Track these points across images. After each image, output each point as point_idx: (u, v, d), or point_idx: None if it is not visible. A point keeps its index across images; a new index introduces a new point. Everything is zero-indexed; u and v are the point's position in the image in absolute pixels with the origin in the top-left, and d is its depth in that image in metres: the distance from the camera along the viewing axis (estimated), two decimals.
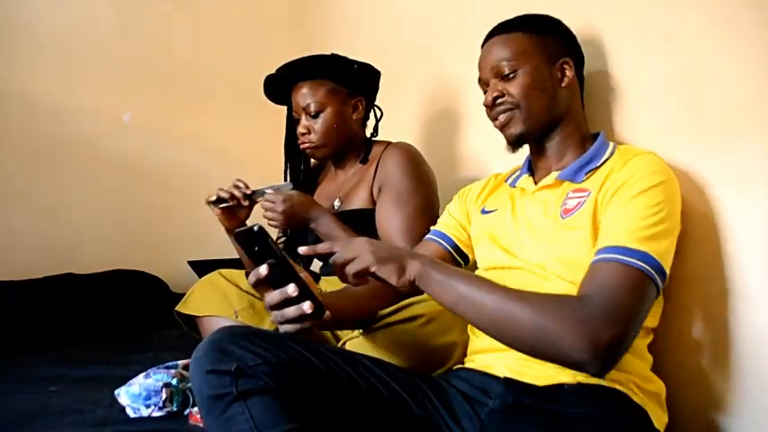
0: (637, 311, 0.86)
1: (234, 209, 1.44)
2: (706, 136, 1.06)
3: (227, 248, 1.69)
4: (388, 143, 1.56)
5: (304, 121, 1.52)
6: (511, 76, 1.11)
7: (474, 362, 1.06)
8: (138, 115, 2.38)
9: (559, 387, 0.92)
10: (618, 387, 0.92)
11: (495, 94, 1.12)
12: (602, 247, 0.91)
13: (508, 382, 0.96)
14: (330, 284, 1.46)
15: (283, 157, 1.68)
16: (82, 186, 2.28)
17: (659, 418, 0.95)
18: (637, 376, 0.95)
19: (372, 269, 0.92)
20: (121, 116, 2.35)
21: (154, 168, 2.41)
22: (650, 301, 0.89)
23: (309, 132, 1.52)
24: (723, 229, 1.03)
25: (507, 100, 1.11)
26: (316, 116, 1.50)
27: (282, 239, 1.65)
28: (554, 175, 1.10)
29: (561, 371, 0.92)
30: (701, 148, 1.07)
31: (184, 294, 1.45)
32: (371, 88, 1.61)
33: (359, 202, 1.51)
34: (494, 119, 1.15)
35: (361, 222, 1.45)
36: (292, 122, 1.60)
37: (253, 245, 0.89)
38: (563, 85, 1.11)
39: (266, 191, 1.44)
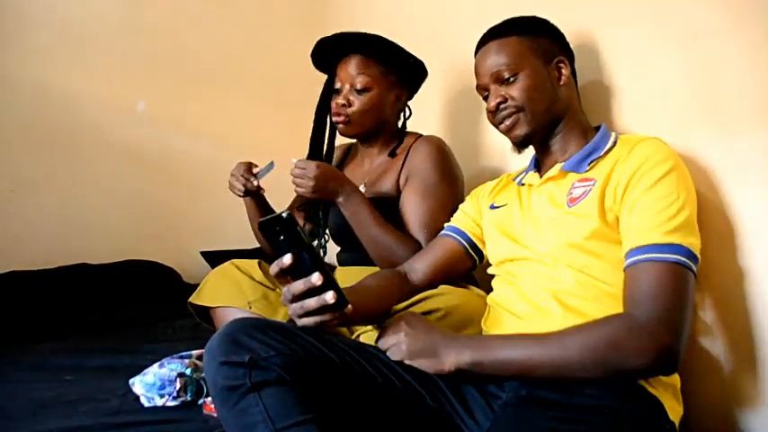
0: (686, 305, 0.89)
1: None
2: (721, 128, 1.05)
3: (239, 239, 1.70)
4: (419, 135, 1.55)
5: (346, 93, 1.49)
6: (511, 80, 1.12)
7: None
8: (151, 106, 2.38)
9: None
10: None
11: (498, 100, 1.13)
12: (633, 247, 0.93)
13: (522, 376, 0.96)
14: (345, 274, 1.45)
15: (309, 139, 1.62)
16: (95, 177, 2.28)
17: (674, 409, 0.94)
18: None
19: (406, 362, 0.94)
20: (134, 106, 2.36)
21: (167, 159, 2.42)
22: (693, 289, 0.91)
23: (348, 105, 1.49)
24: (738, 219, 1.03)
25: (511, 104, 1.13)
26: (360, 92, 1.48)
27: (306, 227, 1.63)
28: (558, 166, 1.12)
29: None
30: (715, 140, 1.06)
31: (197, 285, 1.45)
32: (416, 85, 1.60)
33: (384, 189, 1.50)
34: (498, 123, 1.16)
35: (385, 209, 1.43)
36: (330, 91, 1.55)
37: (279, 233, 0.87)
38: (561, 83, 1.14)
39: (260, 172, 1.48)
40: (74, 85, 2.23)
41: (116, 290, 2.01)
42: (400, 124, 1.61)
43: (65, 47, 2.23)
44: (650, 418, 0.90)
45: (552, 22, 1.19)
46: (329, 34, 1.51)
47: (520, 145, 1.16)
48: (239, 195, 1.53)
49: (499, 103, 1.13)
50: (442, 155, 1.47)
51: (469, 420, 0.94)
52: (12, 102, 2.14)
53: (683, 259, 0.89)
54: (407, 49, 1.52)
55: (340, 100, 1.49)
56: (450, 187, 1.44)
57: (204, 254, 2.17)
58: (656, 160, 0.97)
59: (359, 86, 1.47)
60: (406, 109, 1.60)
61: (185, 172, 2.44)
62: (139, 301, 2.00)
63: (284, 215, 0.86)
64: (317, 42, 1.54)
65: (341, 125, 1.51)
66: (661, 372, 0.89)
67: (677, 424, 0.94)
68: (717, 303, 1.07)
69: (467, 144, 1.77)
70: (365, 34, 1.48)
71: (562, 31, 1.19)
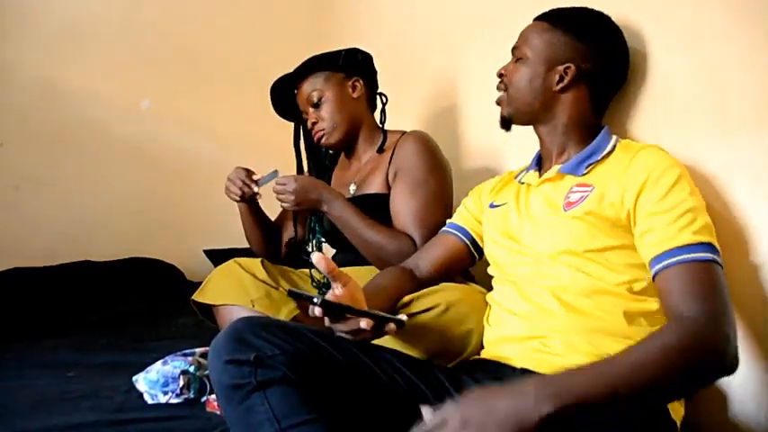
0: (728, 300, 0.87)
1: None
2: (723, 128, 1.05)
3: (242, 237, 1.71)
4: (404, 132, 1.57)
5: (312, 115, 1.57)
6: (517, 61, 1.16)
7: (490, 353, 1.07)
8: (154, 104, 2.39)
9: None
10: None
11: (500, 71, 1.20)
12: (660, 252, 0.91)
13: (525, 373, 0.96)
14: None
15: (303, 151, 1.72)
16: (98, 174, 2.29)
17: (676, 410, 0.94)
18: None
19: None
20: (138, 104, 2.36)
21: (170, 156, 2.42)
22: (726, 281, 0.90)
23: (318, 121, 1.56)
24: (744, 220, 1.02)
25: (504, 80, 1.19)
26: (319, 104, 1.55)
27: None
28: (556, 168, 1.12)
29: (576, 361, 0.91)
30: (718, 141, 1.06)
31: (200, 283, 1.45)
32: (366, 69, 1.64)
33: (374, 187, 1.52)
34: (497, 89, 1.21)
35: (376, 207, 1.46)
36: (305, 126, 1.64)
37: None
38: (556, 88, 1.13)
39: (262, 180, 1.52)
40: (77, 84, 2.24)
41: (119, 287, 2.02)
42: (380, 114, 1.65)
43: (68, 45, 2.23)
44: (653, 416, 0.90)
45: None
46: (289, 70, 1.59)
47: (502, 124, 1.21)
48: (235, 201, 1.57)
49: (500, 74, 1.20)
50: (427, 148, 1.49)
51: None
52: (16, 100, 2.15)
53: (713, 256, 0.89)
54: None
55: (310, 121, 1.57)
56: (439, 178, 1.47)
57: (207, 252, 2.17)
58: (663, 168, 0.97)
59: (315, 100, 1.56)
60: (382, 97, 1.65)
61: (188, 170, 2.45)
62: (142, 299, 2.01)
63: (316, 300, 0.88)
64: (274, 108, 1.67)
65: (323, 140, 1.58)
66: (731, 369, 0.83)
67: (678, 424, 0.94)
68: None
69: (467, 145, 1.78)
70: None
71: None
